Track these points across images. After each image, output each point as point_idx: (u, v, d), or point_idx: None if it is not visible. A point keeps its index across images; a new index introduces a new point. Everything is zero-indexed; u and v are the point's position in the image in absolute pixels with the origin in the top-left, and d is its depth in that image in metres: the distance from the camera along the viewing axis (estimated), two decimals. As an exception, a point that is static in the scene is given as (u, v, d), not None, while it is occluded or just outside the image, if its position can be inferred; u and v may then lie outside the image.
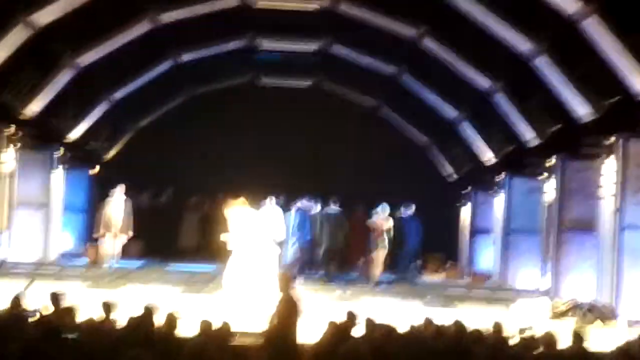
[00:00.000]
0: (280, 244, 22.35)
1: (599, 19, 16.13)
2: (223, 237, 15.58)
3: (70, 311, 10.10)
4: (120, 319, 10.01)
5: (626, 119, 16.59)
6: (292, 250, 21.92)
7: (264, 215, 15.88)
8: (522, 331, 11.53)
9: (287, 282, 10.26)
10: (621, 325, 15.44)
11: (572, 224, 19.01)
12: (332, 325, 9.60)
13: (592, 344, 9.96)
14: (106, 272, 19.08)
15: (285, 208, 23.04)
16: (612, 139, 16.97)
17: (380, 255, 21.83)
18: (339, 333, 9.38)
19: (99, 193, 22.80)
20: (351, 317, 9.89)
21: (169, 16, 20.73)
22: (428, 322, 9.91)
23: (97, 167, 25.40)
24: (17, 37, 18.56)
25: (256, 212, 15.87)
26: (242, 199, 15.66)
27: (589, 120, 18.47)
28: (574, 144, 18.39)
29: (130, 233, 19.98)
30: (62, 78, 21.23)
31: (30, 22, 18.51)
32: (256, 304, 13.55)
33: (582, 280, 18.47)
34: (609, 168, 17.28)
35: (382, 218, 22.37)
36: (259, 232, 15.37)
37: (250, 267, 14.98)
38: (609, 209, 17.17)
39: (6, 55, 18.67)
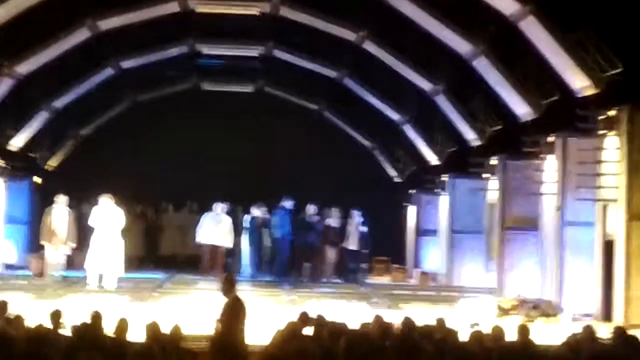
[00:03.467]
0: (233, 249, 22.61)
1: (536, 20, 16.40)
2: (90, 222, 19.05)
3: (17, 320, 9.96)
4: (68, 328, 9.90)
5: (565, 117, 16.88)
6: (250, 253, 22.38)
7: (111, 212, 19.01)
8: (471, 326, 11.65)
9: (230, 285, 10.21)
10: (565, 320, 15.69)
11: (514, 222, 19.27)
12: (286, 326, 9.60)
13: (537, 339, 10.10)
14: (50, 283, 18.85)
15: (234, 213, 23.11)
16: (552, 137, 17.23)
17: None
18: (290, 333, 9.37)
19: (41, 203, 22.49)
20: (304, 318, 9.87)
21: (108, 23, 20.60)
22: (377, 320, 9.94)
23: (39, 177, 25.07)
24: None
25: (111, 208, 18.97)
26: (108, 195, 18.88)
27: (528, 119, 18.76)
28: (515, 143, 18.65)
29: (74, 243, 19.75)
30: (1, 88, 20.95)
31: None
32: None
33: (526, 277, 18.72)
34: (549, 166, 17.55)
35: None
36: (107, 223, 18.82)
37: (99, 250, 18.71)
38: (551, 206, 17.44)
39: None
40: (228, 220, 22.09)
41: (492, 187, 20.31)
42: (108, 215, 18.92)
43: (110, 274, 18.69)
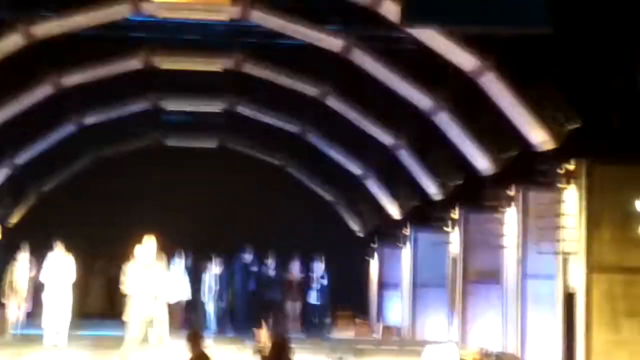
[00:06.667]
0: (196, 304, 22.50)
1: (496, 75, 16.68)
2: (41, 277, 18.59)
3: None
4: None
5: (524, 171, 17.10)
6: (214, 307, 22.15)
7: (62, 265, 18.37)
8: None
9: (196, 341, 10.20)
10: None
11: (476, 275, 19.39)
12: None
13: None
14: (10, 339, 18.59)
15: (197, 267, 22.98)
16: (512, 191, 17.44)
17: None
18: None
19: (2, 260, 22.24)
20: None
21: (70, 79, 20.60)
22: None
23: (0, 233, 24.81)
24: None
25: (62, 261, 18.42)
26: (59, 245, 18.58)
27: (489, 173, 18.98)
28: (476, 196, 18.85)
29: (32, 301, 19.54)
30: (-39, 144, 20.86)
31: None
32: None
33: (488, 329, 18.79)
34: (510, 219, 17.72)
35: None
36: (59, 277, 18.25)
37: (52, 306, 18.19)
38: (512, 258, 17.58)
39: None
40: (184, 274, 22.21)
41: (454, 240, 20.45)
42: (60, 269, 18.67)
43: (62, 329, 18.42)
